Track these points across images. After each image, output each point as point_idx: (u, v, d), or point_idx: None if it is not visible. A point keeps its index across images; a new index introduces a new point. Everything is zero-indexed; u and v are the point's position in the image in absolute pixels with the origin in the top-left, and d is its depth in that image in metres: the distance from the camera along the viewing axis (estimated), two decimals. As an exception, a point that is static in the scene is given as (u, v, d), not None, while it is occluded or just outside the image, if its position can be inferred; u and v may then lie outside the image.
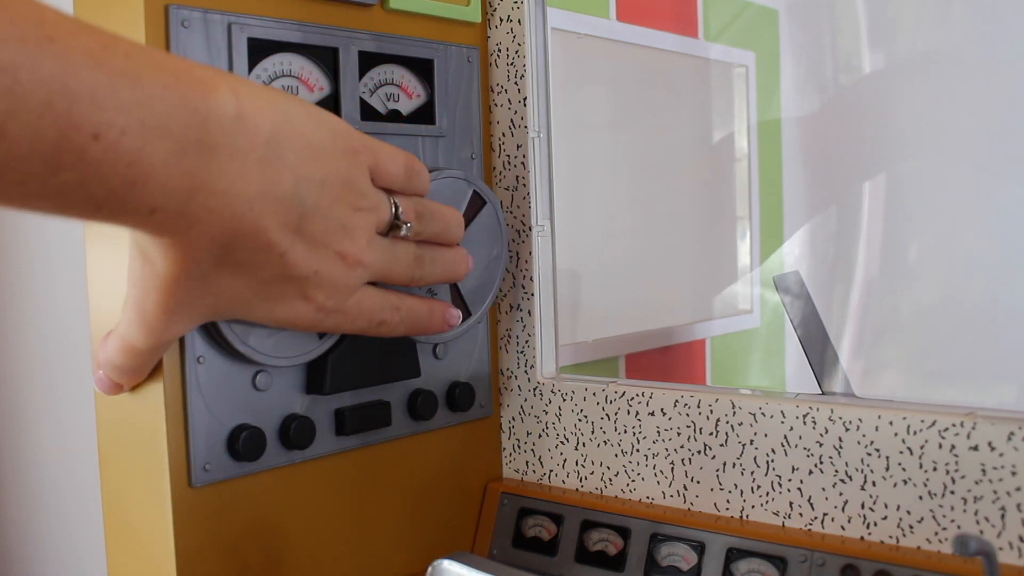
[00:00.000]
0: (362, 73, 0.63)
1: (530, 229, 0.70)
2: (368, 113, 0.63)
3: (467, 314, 0.67)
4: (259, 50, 0.57)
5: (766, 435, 0.60)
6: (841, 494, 0.57)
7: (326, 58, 0.61)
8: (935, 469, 0.54)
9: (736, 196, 1.16)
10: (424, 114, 0.66)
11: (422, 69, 0.66)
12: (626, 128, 1.08)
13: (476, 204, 0.66)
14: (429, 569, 0.52)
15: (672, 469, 0.64)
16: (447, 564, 0.50)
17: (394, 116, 0.65)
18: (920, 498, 0.55)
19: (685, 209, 1.15)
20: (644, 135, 1.09)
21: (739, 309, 1.15)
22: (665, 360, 1.05)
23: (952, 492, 0.53)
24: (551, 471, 0.70)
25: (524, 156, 0.70)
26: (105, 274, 0.56)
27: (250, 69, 0.57)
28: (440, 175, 0.64)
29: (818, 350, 0.97)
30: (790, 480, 0.59)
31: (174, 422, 0.54)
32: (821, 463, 0.58)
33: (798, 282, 0.98)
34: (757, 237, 1.15)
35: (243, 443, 0.56)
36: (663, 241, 1.11)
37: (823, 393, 0.96)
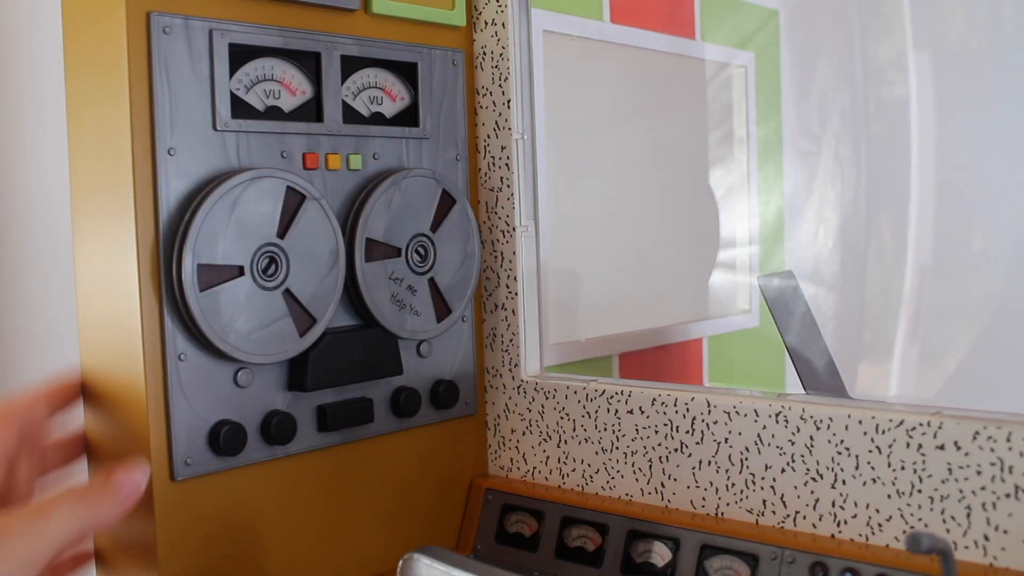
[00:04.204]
0: (345, 76, 0.64)
1: (514, 229, 0.71)
2: (351, 116, 0.64)
3: (447, 311, 0.68)
4: (241, 55, 0.59)
5: (740, 433, 0.61)
6: (812, 492, 0.58)
7: (308, 62, 0.62)
8: (903, 468, 0.54)
9: (735, 196, 1.16)
10: (408, 116, 0.68)
11: (406, 72, 0.67)
12: (624, 128, 1.08)
13: (446, 203, 0.67)
14: (400, 562, 0.53)
15: (650, 467, 0.65)
16: (417, 556, 0.52)
17: (377, 119, 0.66)
18: (888, 496, 0.55)
19: (684, 209, 1.15)
20: (642, 135, 1.10)
21: (738, 309, 1.15)
22: (660, 359, 1.05)
23: (919, 491, 0.54)
24: (535, 468, 0.71)
25: (508, 157, 0.71)
26: (93, 270, 0.58)
27: (232, 74, 0.58)
28: (410, 174, 0.65)
29: (810, 351, 0.98)
30: (763, 478, 0.60)
31: (156, 418, 0.55)
32: (793, 461, 0.59)
33: (789, 282, 0.99)
34: (756, 237, 1.16)
35: (224, 438, 0.57)
36: (661, 241, 1.11)
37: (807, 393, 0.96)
